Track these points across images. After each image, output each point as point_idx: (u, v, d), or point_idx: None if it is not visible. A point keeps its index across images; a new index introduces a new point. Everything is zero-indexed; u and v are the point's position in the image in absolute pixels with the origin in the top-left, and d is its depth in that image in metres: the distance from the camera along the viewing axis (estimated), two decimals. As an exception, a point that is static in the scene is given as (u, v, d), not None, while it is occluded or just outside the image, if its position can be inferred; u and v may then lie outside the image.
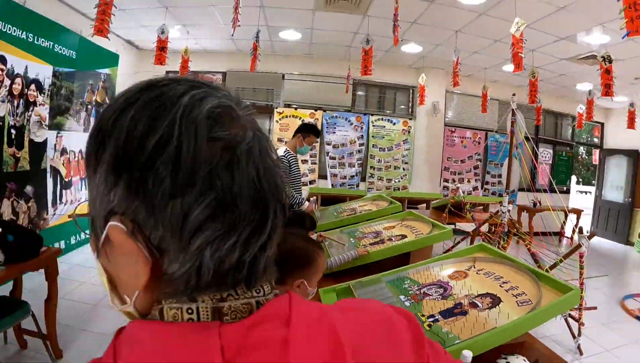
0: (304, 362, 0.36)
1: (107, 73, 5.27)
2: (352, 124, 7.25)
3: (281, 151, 3.51)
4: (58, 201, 4.46)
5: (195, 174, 0.35)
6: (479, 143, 7.92)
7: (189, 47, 5.32)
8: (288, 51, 6.39)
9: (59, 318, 2.63)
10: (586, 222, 8.21)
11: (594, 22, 4.01)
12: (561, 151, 8.46)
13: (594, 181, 9.54)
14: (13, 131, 3.69)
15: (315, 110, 7.01)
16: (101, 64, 5.09)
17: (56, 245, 4.21)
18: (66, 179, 4.60)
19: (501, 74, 6.66)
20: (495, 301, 1.73)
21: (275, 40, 5.89)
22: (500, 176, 8.08)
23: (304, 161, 6.83)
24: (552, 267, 3.20)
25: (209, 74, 7.17)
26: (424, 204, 6.15)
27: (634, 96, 5.63)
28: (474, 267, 2.11)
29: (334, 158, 7.23)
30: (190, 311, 0.37)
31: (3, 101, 3.53)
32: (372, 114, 7.37)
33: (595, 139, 9.40)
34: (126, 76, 5.83)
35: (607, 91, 3.59)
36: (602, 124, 8.68)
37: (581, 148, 11.33)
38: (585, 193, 8.62)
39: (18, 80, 3.67)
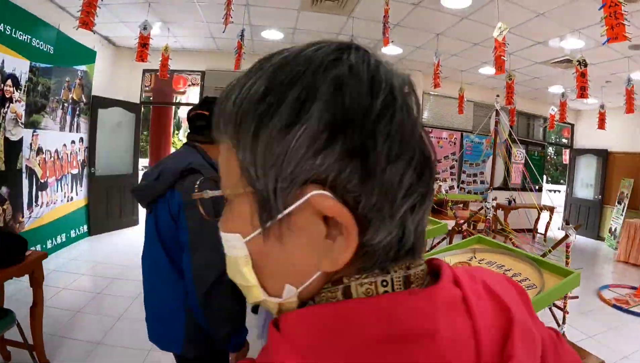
0: (483, 316, 0.36)
1: (84, 70, 5.09)
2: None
3: None
4: (34, 203, 4.26)
5: (411, 138, 0.34)
6: (454, 143, 8.13)
7: (168, 45, 5.21)
8: (268, 51, 6.26)
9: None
10: (558, 219, 8.58)
11: (569, 28, 4.21)
12: (533, 151, 8.80)
13: (562, 180, 9.98)
14: (-13, 128, 3.53)
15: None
16: (78, 60, 4.92)
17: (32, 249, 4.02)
18: (42, 180, 4.41)
19: (477, 76, 6.87)
20: (502, 287, 1.79)
21: (256, 40, 5.85)
22: (475, 175, 8.32)
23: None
24: (542, 256, 3.32)
25: (187, 73, 7.05)
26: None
27: (604, 98, 5.94)
28: (475, 258, 2.18)
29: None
30: (384, 283, 0.35)
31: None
32: (352, 116, 7.43)
33: (565, 140, 9.85)
34: (103, 73, 5.65)
35: (582, 93, 3.77)
36: (572, 125, 9.09)
37: (550, 148, 11.82)
38: (554, 191, 8.97)
39: (-6, 75, 3.51)
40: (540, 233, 7.62)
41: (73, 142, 5.03)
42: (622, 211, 7.32)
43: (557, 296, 1.68)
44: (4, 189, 3.79)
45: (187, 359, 1.44)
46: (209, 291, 1.29)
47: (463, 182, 8.28)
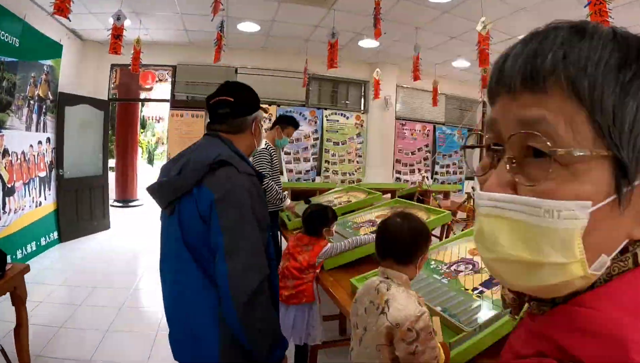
0: None
1: (50, 65, 4.75)
2: (306, 118, 7.26)
3: (261, 143, 3.40)
4: (1, 211, 3.94)
5: None
6: (427, 135, 8.32)
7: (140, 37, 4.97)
8: (243, 43, 6.20)
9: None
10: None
11: (543, 23, 4.37)
12: None
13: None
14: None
15: (270, 105, 6.90)
16: (44, 54, 4.59)
17: None
18: (9, 185, 4.07)
19: (450, 69, 7.03)
20: (525, 270, 1.83)
21: (232, 32, 5.70)
22: (448, 166, 8.54)
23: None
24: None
25: (157, 68, 6.76)
26: (389, 195, 6.33)
27: None
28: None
29: (288, 153, 7.19)
30: None
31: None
32: (326, 109, 7.43)
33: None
34: (69, 68, 5.30)
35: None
36: None
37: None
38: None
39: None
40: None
41: (40, 142, 4.69)
42: None
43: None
44: (-31, 196, 3.48)
45: None
46: (250, 301, 1.15)
47: (437, 173, 8.49)
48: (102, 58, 5.97)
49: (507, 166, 0.38)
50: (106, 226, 6.09)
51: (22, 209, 4.32)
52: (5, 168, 4.00)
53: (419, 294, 1.29)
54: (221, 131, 1.38)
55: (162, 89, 7.74)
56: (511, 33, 4.71)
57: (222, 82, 1.46)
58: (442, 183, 8.44)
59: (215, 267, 1.17)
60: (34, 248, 4.52)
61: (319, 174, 7.42)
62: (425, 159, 8.35)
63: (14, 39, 3.86)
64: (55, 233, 5.10)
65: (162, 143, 12.36)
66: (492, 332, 1.38)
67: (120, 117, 7.96)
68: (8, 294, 2.11)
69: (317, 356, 2.59)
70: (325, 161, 7.48)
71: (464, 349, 1.28)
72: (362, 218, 3.24)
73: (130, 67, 4.93)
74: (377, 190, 4.17)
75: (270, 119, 6.91)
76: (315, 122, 7.34)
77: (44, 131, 4.80)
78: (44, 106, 4.75)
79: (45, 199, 4.84)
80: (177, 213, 1.25)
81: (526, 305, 0.47)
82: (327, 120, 7.40)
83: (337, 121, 7.53)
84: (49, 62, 4.71)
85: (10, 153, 4.07)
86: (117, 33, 3.88)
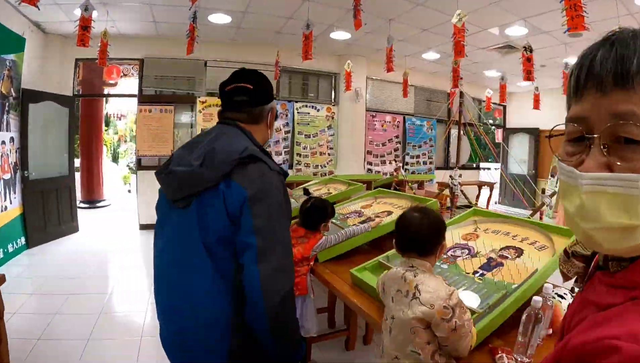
0: None
1: (13, 60, 4.47)
2: (277, 111, 7.20)
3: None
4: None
5: None
6: (397, 127, 8.47)
7: (107, 30, 4.75)
8: (212, 36, 6.04)
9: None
10: (495, 194, 9.33)
11: (517, 17, 4.55)
12: (471, 131, 9.45)
13: (490, 158, 10.87)
14: None
15: (240, 98, 6.81)
16: (7, 48, 4.32)
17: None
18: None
19: (420, 61, 7.17)
20: (518, 251, 1.93)
21: (202, 24, 5.53)
22: (418, 156, 8.74)
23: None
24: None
25: (124, 61, 6.49)
26: (365, 185, 6.42)
27: (537, 81, 6.54)
28: (479, 228, 2.31)
29: (259, 147, 7.13)
30: None
31: None
32: (297, 101, 7.41)
33: (490, 120, 10.68)
34: (32, 63, 4.99)
35: (528, 76, 4.13)
36: (504, 106, 9.87)
37: (481, 127, 12.79)
38: (486, 169, 9.75)
39: None
40: (482, 208, 8.26)
41: (3, 142, 4.41)
42: (556, 184, 8.19)
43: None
44: None
45: None
46: (281, 304, 1.12)
47: (407, 163, 8.67)
48: (66, 52, 5.70)
49: (603, 151, 0.46)
50: (74, 229, 5.85)
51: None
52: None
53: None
54: (239, 120, 1.30)
55: (127, 85, 7.44)
56: (481, 25, 4.86)
57: (238, 70, 1.35)
58: (413, 173, 8.64)
59: (244, 269, 1.11)
60: (1, 256, 4.28)
61: (291, 167, 7.41)
62: (396, 150, 8.51)
63: (-26, 32, 3.60)
64: (23, 239, 4.85)
65: (125, 141, 11.88)
66: (501, 312, 1.46)
67: (84, 114, 7.60)
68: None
69: (311, 349, 2.62)
70: (297, 154, 7.47)
71: (479, 329, 1.34)
72: (347, 209, 3.27)
73: (97, 61, 4.71)
74: (353, 181, 4.24)
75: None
76: (286, 116, 7.31)
77: (7, 131, 4.52)
78: (7, 104, 4.48)
79: (10, 203, 4.58)
80: (195, 209, 1.15)
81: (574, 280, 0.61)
82: (298, 113, 7.39)
83: (308, 113, 7.53)
84: (11, 56, 4.43)
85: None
86: (85, 24, 3.69)
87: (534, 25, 4.63)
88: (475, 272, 1.81)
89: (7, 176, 4.52)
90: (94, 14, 4.24)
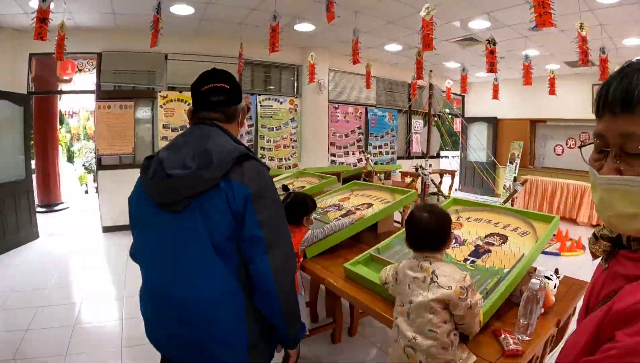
0: None
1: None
2: (250, 107, 7.11)
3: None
4: None
5: None
6: (360, 118, 8.58)
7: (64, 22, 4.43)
8: (174, 28, 5.81)
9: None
10: (455, 181, 9.71)
11: (480, 10, 4.71)
12: (440, 122, 9.75)
13: (447, 147, 11.29)
14: None
15: (202, 92, 6.64)
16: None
17: None
18: None
19: (381, 53, 7.28)
20: (503, 237, 2.06)
21: (163, 14, 5.31)
22: (381, 147, 8.92)
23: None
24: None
25: (80, 55, 6.09)
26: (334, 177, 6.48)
27: (497, 73, 6.84)
28: (461, 217, 2.43)
29: (223, 143, 6.99)
30: None
31: None
32: (260, 94, 7.33)
33: (449, 110, 11.07)
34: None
35: (492, 68, 4.33)
36: (463, 96, 10.23)
37: (436, 117, 13.21)
38: (445, 157, 10.14)
39: None
40: (445, 195, 8.59)
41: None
42: (515, 170, 8.69)
43: (551, 236, 1.99)
44: None
45: None
46: (291, 290, 1.24)
47: (370, 153, 8.82)
48: (20, 47, 5.29)
49: (615, 160, 0.62)
50: (35, 236, 5.51)
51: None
52: None
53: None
54: (216, 119, 1.32)
55: (82, 80, 7.01)
56: (447, 19, 5.00)
57: (209, 70, 1.38)
58: (376, 163, 8.81)
59: (253, 261, 1.17)
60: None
61: (255, 161, 7.32)
62: (359, 141, 8.63)
63: None
64: (-21, 249, 4.46)
65: (78, 139, 11.18)
66: (499, 295, 1.56)
67: (37, 113, 7.05)
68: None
69: (299, 346, 2.64)
70: (261, 148, 7.40)
71: (482, 313, 1.43)
72: (325, 203, 3.30)
73: (53, 55, 4.39)
74: (323, 174, 4.27)
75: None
76: (249, 109, 7.21)
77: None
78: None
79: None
80: (197, 210, 1.16)
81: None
82: (260, 106, 7.30)
83: (271, 106, 7.46)
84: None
85: None
86: (42, 16, 3.44)
87: (496, 18, 4.83)
88: (465, 259, 1.91)
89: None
90: (52, 6, 3.96)
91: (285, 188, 3.43)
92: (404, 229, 2.45)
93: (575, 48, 3.93)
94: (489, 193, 9.42)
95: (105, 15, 5.16)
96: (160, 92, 6.24)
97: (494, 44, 4.23)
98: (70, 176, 9.93)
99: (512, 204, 3.38)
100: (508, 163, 8.86)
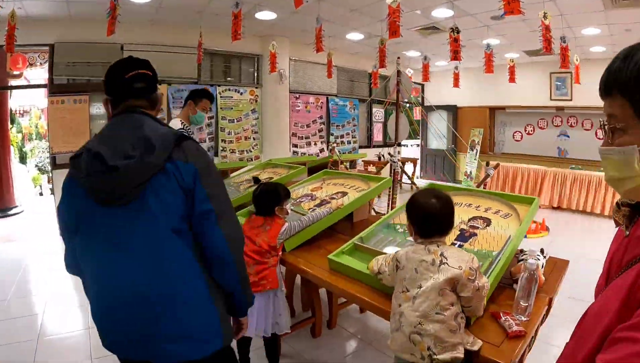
0: None
1: None
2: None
3: (176, 124, 3.04)
4: None
5: None
6: (321, 107, 8.51)
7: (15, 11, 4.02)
8: (129, 17, 5.41)
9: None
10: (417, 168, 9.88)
11: None
12: (391, 110, 9.80)
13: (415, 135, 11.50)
14: None
15: (160, 84, 6.27)
16: None
17: None
18: None
19: (342, 41, 7.21)
20: (486, 220, 2.07)
21: (119, 1, 4.94)
22: (342, 136, 8.90)
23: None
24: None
25: (32, 48, 5.56)
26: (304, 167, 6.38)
27: (458, 61, 6.93)
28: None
29: (183, 136, 6.71)
30: None
31: None
32: (220, 85, 7.07)
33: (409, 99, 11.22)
34: None
35: (456, 56, 4.37)
36: (422, 85, 10.35)
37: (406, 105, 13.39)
38: (405, 146, 10.31)
39: None
40: (409, 183, 8.73)
41: None
42: (476, 156, 8.93)
43: (533, 216, 2.02)
44: None
45: (221, 352, 1.27)
46: (242, 255, 1.32)
47: (337, 143, 8.77)
48: None
49: (608, 135, 0.74)
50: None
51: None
52: None
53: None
54: (141, 106, 1.30)
55: (33, 75, 6.47)
56: (410, 7, 4.99)
57: (125, 58, 1.36)
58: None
59: (207, 234, 1.21)
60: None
61: (216, 154, 7.09)
62: (320, 131, 8.56)
63: None
64: None
65: (30, 140, 10.36)
66: (495, 278, 1.54)
67: None
68: None
69: (280, 344, 2.53)
70: (222, 141, 7.17)
71: (484, 296, 1.41)
72: (297, 193, 3.21)
73: (3, 47, 4.01)
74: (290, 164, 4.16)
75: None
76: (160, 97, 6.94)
77: None
78: None
79: None
80: (147, 197, 1.15)
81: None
82: (221, 97, 7.06)
83: (231, 97, 7.24)
84: None
85: None
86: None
87: (460, 7, 4.89)
88: (453, 244, 1.89)
89: None
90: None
91: (256, 179, 3.29)
92: (385, 216, 2.43)
93: (539, 37, 4.04)
94: (450, 180, 9.68)
95: (58, 3, 4.73)
96: (116, 84, 5.84)
97: (458, 32, 4.28)
98: (24, 178, 9.16)
99: (484, 189, 3.45)
100: (469, 150, 9.12)
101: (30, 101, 10.34)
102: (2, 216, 6.53)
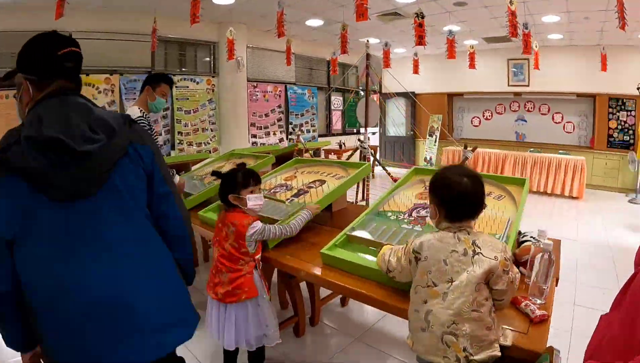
0: None
1: None
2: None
3: (135, 111, 2.71)
4: None
5: None
6: (279, 96, 8.29)
7: None
8: (77, 3, 4.89)
9: None
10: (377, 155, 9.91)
11: None
12: (349, 98, 9.76)
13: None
14: None
15: (111, 74, 5.86)
16: None
17: None
18: None
19: (301, 28, 7.01)
20: (480, 204, 2.00)
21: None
22: (302, 125, 8.73)
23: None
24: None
25: None
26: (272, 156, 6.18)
27: (417, 47, 6.90)
28: (427, 188, 2.33)
29: (137, 129, 6.28)
30: None
31: None
32: (175, 74, 6.67)
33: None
34: None
35: (420, 41, 4.34)
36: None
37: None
38: (362, 133, 10.37)
39: None
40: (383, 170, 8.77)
41: None
42: (435, 142, 9.06)
43: (525, 201, 1.99)
44: None
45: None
46: (191, 230, 1.36)
47: (291, 133, 8.60)
48: None
49: None
50: None
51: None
52: None
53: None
54: (71, 88, 1.15)
55: None
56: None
57: (50, 32, 1.17)
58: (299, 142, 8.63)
59: (169, 215, 1.24)
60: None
61: (173, 148, 6.73)
62: (279, 120, 8.35)
63: None
64: None
65: None
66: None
67: None
68: None
69: (264, 349, 2.33)
70: (178, 133, 6.80)
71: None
72: (270, 184, 3.02)
73: None
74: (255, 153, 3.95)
75: (112, 91, 5.87)
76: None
77: None
78: None
79: None
80: (118, 182, 1.09)
81: None
82: (176, 87, 6.66)
83: (187, 87, 6.88)
84: None
85: None
86: None
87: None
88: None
89: None
90: None
91: (217, 174, 2.84)
92: (375, 203, 2.31)
93: (504, 23, 4.07)
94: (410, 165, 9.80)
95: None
96: (62, 75, 5.30)
97: (423, 17, 4.24)
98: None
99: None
100: (428, 136, 9.26)
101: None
102: None
